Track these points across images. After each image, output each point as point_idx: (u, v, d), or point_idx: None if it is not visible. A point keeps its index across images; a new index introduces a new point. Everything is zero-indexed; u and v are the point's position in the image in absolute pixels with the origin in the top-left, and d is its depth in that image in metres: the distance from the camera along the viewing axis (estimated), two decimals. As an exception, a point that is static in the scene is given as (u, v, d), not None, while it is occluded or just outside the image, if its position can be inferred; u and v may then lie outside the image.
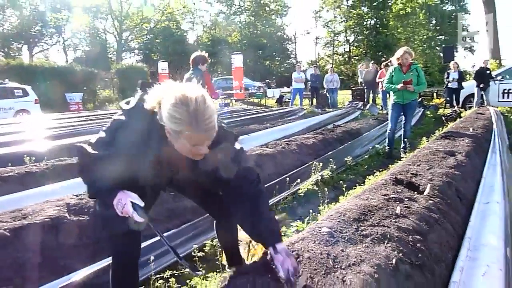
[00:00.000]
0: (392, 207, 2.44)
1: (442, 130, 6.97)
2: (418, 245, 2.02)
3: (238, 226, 2.12)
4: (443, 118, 10.47)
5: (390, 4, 39.56)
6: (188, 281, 2.50)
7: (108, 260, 2.57)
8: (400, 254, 1.86)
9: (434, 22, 42.00)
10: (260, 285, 1.57)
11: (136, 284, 2.01)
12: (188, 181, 1.89)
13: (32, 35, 38.35)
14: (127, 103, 1.65)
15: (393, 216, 2.30)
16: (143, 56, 44.85)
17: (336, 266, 1.68)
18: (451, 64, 13.08)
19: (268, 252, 1.71)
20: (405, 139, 6.27)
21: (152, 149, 1.60)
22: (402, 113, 6.24)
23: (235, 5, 46.87)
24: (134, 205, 1.61)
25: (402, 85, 5.86)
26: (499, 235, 2.57)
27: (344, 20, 46.04)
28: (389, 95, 8.11)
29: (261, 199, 1.78)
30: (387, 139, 6.46)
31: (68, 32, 42.02)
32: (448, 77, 12.71)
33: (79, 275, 2.40)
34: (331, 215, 2.30)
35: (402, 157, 5.70)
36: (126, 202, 1.60)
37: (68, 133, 7.97)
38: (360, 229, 2.08)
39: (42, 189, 3.63)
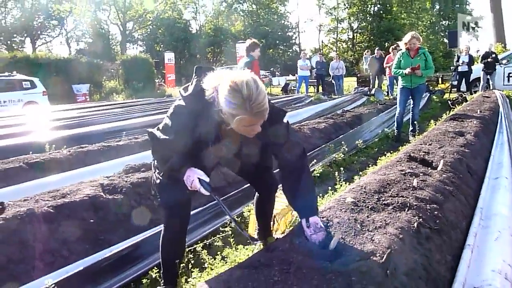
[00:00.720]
0: (409, 180, 2.61)
1: (448, 114, 7.10)
2: (436, 212, 2.20)
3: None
4: (449, 102, 10.57)
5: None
6: (218, 252, 2.69)
7: (142, 236, 2.79)
8: (420, 219, 2.03)
9: (437, 7, 41.64)
10: (297, 244, 1.75)
11: (183, 250, 2.24)
12: (239, 157, 2.06)
13: (35, 27, 38.42)
14: (185, 89, 1.82)
15: (411, 188, 2.47)
16: (146, 47, 44.85)
17: (364, 229, 1.86)
18: (463, 47, 13.10)
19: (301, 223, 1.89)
20: (414, 122, 6.40)
21: (210, 129, 1.80)
22: (410, 97, 6.36)
23: (238, -7, 46.67)
24: (200, 180, 1.85)
25: (409, 70, 5.98)
26: (509, 206, 2.74)
27: (347, 7, 45.78)
28: (397, 80, 8.22)
29: (304, 173, 1.95)
30: (395, 123, 6.60)
31: (70, 24, 42.09)
32: (458, 60, 12.71)
33: (118, 248, 2.60)
34: (353, 188, 2.48)
35: (411, 140, 5.84)
36: (194, 179, 1.84)
37: (84, 122, 8.17)
38: (381, 199, 2.26)
39: (72, 172, 3.82)
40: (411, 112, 6.47)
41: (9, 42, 36.99)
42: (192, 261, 2.56)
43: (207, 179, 1.87)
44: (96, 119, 8.87)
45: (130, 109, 11.66)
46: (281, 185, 2.07)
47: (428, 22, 38.48)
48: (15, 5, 37.31)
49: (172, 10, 42.22)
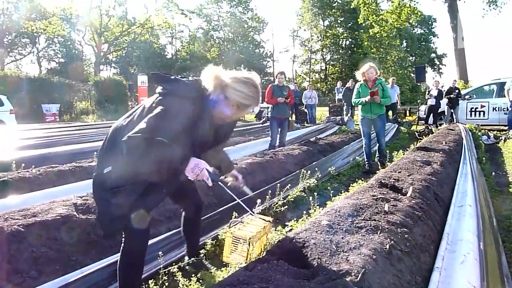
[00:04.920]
0: (381, 205, 2.72)
1: (416, 144, 7.37)
2: (406, 236, 2.29)
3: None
4: (417, 133, 11.03)
5: (364, 25, 41.04)
6: (193, 275, 2.67)
7: (115, 257, 2.73)
8: (392, 242, 2.12)
9: (405, 44, 43.76)
10: (275, 263, 1.79)
11: (140, 276, 2.22)
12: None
13: (5, 44, 37.51)
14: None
15: (382, 213, 2.57)
16: (120, 69, 44.57)
17: (339, 250, 1.92)
18: (433, 82, 13.76)
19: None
20: (382, 152, 6.52)
21: (205, 121, 1.94)
22: (373, 128, 6.48)
23: (214, 21, 47.54)
24: (208, 170, 1.90)
25: (369, 97, 6.01)
26: (473, 232, 2.88)
27: (320, 40, 47.43)
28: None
29: None
30: (364, 154, 6.64)
31: (43, 43, 41.37)
32: (428, 93, 13.25)
33: (90, 269, 2.54)
34: (327, 212, 2.55)
35: (379, 168, 5.96)
36: (203, 168, 1.88)
37: (54, 142, 7.98)
38: (355, 222, 2.34)
39: (43, 192, 3.73)
40: (377, 143, 6.58)
41: (-24, 58, 35.90)
42: (167, 283, 2.54)
43: (211, 169, 1.93)
44: (66, 140, 8.68)
45: (101, 130, 11.47)
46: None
47: (396, 57, 40.33)
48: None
49: (149, 34, 42.38)
